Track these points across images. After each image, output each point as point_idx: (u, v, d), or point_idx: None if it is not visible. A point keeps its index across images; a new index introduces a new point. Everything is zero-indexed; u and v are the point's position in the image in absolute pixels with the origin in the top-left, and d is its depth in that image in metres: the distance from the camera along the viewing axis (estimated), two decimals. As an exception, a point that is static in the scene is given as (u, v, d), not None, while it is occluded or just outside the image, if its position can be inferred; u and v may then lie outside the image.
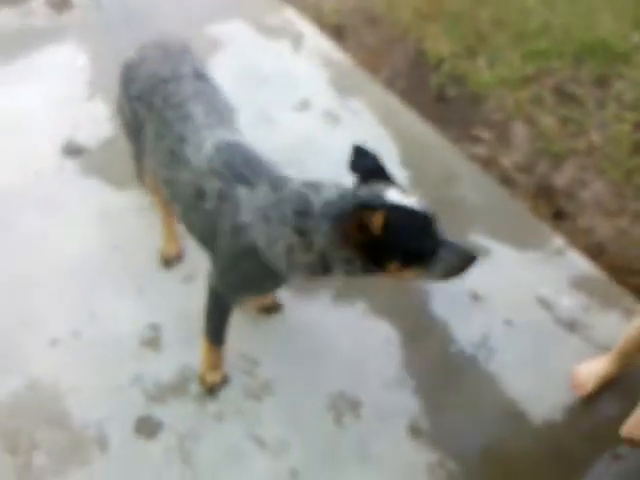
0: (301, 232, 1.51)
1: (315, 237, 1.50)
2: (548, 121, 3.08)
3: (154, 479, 1.94)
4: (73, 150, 2.68)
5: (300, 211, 1.51)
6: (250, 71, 3.08)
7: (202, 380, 2.11)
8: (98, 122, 2.76)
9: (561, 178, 2.85)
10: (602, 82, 3.33)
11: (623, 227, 2.70)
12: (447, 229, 2.55)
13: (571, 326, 2.34)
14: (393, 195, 1.47)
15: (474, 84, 3.23)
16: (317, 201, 1.50)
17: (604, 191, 2.82)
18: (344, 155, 1.61)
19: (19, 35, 3.11)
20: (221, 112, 1.84)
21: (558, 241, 2.57)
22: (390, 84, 3.19)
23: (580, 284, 2.46)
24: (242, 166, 1.67)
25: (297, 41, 3.27)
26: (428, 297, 2.38)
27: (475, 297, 2.39)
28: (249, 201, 1.60)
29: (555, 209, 2.72)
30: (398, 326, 2.30)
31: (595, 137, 3.04)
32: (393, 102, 3.04)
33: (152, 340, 2.20)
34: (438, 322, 2.32)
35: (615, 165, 2.91)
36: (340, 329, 2.28)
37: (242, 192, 1.62)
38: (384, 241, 1.42)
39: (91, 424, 2.02)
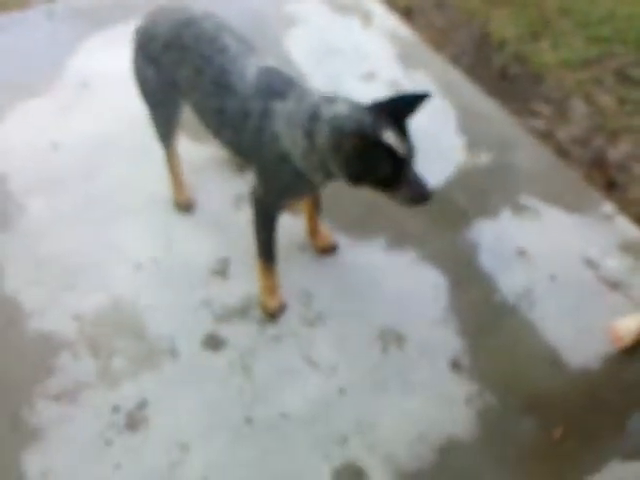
0: (308, 134, 1.81)
1: (318, 139, 1.79)
2: (606, 100, 3.18)
3: (216, 386, 2.17)
4: (159, 106, 2.96)
5: (311, 117, 1.80)
6: (322, 44, 3.31)
7: (264, 306, 2.33)
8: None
9: (616, 152, 2.95)
10: (665, 66, 3.40)
11: (675, 200, 2.78)
12: (499, 189, 2.71)
13: (614, 285, 2.45)
14: (388, 135, 1.71)
15: (536, 64, 3.36)
16: (327, 111, 1.79)
17: (658, 166, 2.90)
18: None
19: (118, 7, 3.45)
20: (247, 40, 2.08)
21: (608, 207, 2.68)
22: (455, 61, 3.36)
23: (627, 248, 2.56)
24: (279, 85, 1.92)
25: (367, 18, 3.49)
26: (476, 250, 2.53)
27: (522, 253, 2.53)
28: (281, 112, 1.87)
29: (607, 180, 2.83)
30: (445, 274, 2.47)
31: (653, 117, 3.12)
32: (456, 76, 3.21)
33: (221, 270, 2.44)
34: (484, 273, 2.47)
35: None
36: (391, 272, 2.46)
37: (278, 106, 1.88)
38: (360, 165, 1.74)
39: (164, 337, 2.26)
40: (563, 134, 3.01)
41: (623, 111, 3.14)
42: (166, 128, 2.45)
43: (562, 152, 2.93)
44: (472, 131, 2.95)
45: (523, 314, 2.37)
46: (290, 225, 2.54)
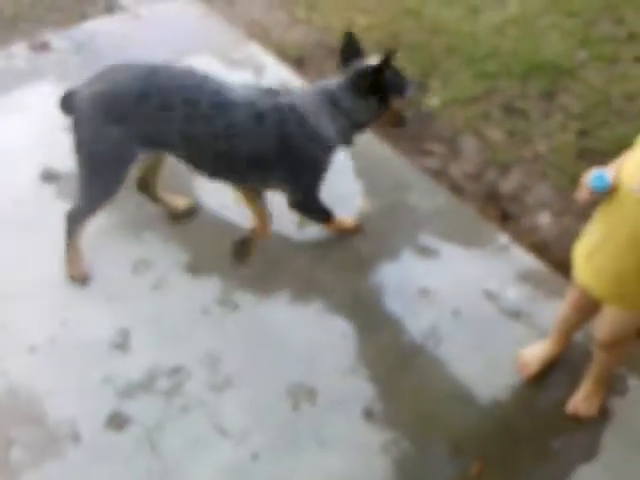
0: (335, 105, 2.29)
1: (344, 105, 2.29)
2: (496, 134, 3.30)
3: (123, 467, 2.07)
4: (50, 176, 2.89)
5: (329, 100, 2.29)
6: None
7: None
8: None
9: (507, 185, 3.04)
10: (548, 96, 3.56)
11: (567, 225, 2.87)
12: (398, 231, 2.74)
13: (516, 315, 2.50)
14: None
15: (427, 104, 3.46)
16: (334, 88, 2.29)
17: (549, 194, 3.01)
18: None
19: (1, 74, 3.37)
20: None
21: (503, 238, 2.75)
22: (348, 107, 3.42)
23: (525, 277, 2.63)
24: (262, 91, 2.31)
25: (259, 71, 3.52)
26: (381, 294, 2.54)
27: (425, 292, 2.56)
28: (295, 106, 2.25)
29: (501, 212, 2.91)
30: (352, 322, 2.46)
31: (540, 146, 3.25)
32: (349, 122, 3.26)
33: (121, 343, 2.36)
34: (390, 316, 2.48)
35: (560, 171, 3.11)
36: (297, 326, 2.44)
37: (286, 100, 2.27)
38: (388, 81, 2.26)
39: (65, 421, 2.16)
40: (456, 171, 3.09)
41: (512, 143, 3.26)
42: (105, 196, 2.40)
43: (456, 189, 3.00)
44: (369, 176, 2.99)
45: (431, 353, 2.39)
46: (188, 289, 2.50)
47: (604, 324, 2.02)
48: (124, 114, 2.18)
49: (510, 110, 3.46)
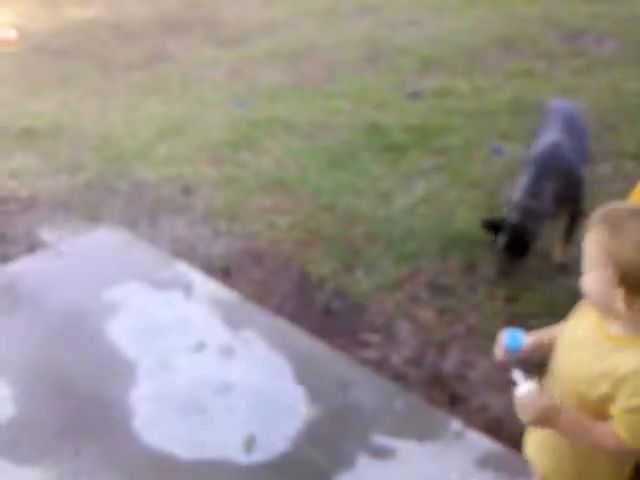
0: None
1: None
2: (427, 314, 3.36)
3: None
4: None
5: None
6: (147, 325, 3.28)
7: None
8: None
9: (448, 364, 3.05)
10: (469, 268, 3.70)
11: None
12: (348, 435, 2.65)
13: (484, 506, 2.39)
14: None
15: (355, 294, 3.53)
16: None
17: (490, 367, 3.01)
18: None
19: None
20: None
21: (456, 424, 2.70)
22: (279, 309, 3.44)
23: (485, 462, 2.55)
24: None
25: (188, 289, 3.54)
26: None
27: (389, 499, 2.43)
28: None
29: (448, 394, 2.88)
30: None
31: (471, 319, 3.32)
32: (282, 325, 3.27)
33: None
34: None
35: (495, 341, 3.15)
36: None
37: None
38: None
39: None
40: (396, 358, 3.09)
41: (444, 321, 3.32)
42: None
43: (399, 376, 2.98)
44: (309, 378, 2.95)
45: None
46: None
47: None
48: None
49: (436, 288, 3.56)
